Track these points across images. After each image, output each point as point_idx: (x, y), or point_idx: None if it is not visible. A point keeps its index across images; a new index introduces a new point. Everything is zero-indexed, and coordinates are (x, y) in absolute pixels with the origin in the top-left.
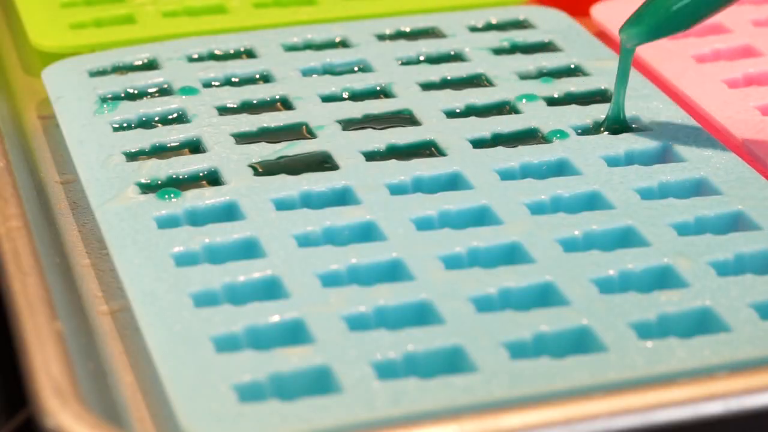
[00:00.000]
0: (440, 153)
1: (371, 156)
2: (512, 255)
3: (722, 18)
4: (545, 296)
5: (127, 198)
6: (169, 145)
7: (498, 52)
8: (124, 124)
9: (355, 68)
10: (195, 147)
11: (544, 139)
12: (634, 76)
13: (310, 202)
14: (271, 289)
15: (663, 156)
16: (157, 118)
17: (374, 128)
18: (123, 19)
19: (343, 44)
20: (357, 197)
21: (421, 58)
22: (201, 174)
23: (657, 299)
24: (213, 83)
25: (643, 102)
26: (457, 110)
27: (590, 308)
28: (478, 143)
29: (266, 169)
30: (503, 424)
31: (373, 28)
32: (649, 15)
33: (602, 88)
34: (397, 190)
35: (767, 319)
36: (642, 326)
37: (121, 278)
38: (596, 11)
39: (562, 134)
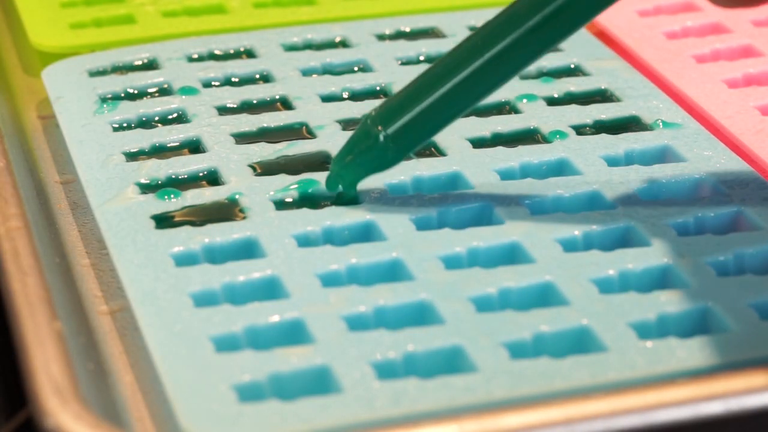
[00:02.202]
0: (440, 153)
1: None
2: (512, 255)
3: (722, 18)
4: (545, 296)
5: (127, 198)
6: (168, 145)
7: None
8: (124, 124)
9: (355, 68)
10: (195, 147)
11: (544, 139)
12: (634, 76)
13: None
14: (270, 289)
15: (663, 156)
16: (157, 118)
17: None
18: (123, 19)
19: (343, 44)
20: (357, 197)
21: (421, 58)
22: (201, 174)
23: (657, 299)
24: (213, 83)
25: (643, 102)
26: None
27: (590, 308)
28: (478, 143)
29: (266, 169)
30: (503, 424)
31: (373, 28)
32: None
33: (602, 87)
34: (396, 190)
35: (767, 319)
36: (642, 326)
37: (121, 278)
38: None
39: (562, 134)
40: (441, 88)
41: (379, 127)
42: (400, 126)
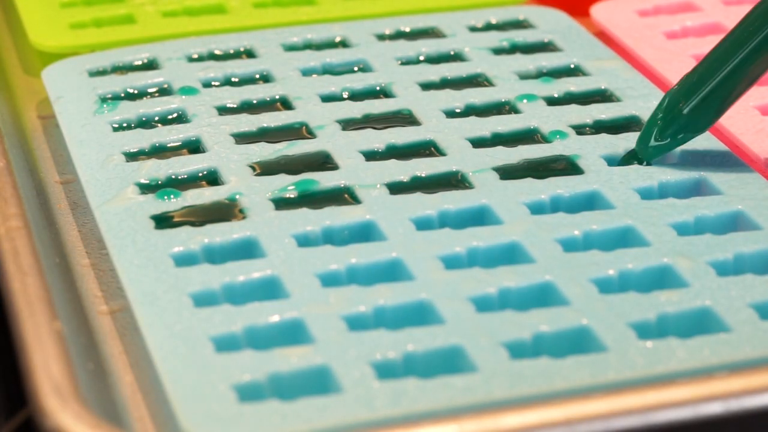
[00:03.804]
0: (440, 153)
1: (371, 156)
2: (512, 255)
3: (722, 18)
4: (545, 296)
5: (127, 198)
6: (168, 145)
7: (498, 52)
8: (124, 124)
9: (355, 68)
10: (195, 147)
11: (544, 139)
12: (634, 76)
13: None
14: (270, 289)
15: (663, 156)
16: (156, 118)
17: (374, 128)
18: (123, 19)
19: (343, 44)
20: (357, 197)
21: (421, 58)
22: (200, 174)
23: (657, 299)
24: (213, 83)
25: (643, 102)
26: (457, 110)
27: (590, 308)
28: (478, 143)
29: (266, 169)
30: (503, 424)
31: (373, 28)
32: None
33: (602, 87)
34: (397, 189)
35: (767, 319)
36: (642, 326)
37: (121, 278)
38: (596, 11)
39: (562, 134)
40: (731, 61)
41: (681, 103)
42: (699, 100)
